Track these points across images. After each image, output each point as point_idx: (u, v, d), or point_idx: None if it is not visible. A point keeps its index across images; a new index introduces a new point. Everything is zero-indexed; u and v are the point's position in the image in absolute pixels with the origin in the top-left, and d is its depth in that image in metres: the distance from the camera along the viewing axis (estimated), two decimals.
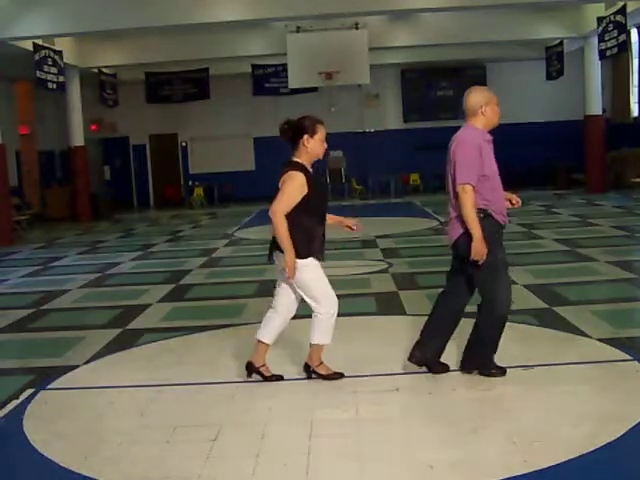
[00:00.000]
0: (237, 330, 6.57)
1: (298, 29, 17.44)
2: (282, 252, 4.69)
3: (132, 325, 7.07)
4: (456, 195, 4.65)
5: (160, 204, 23.38)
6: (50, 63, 15.66)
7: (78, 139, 18.98)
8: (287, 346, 5.59)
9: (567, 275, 8.01)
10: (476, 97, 4.72)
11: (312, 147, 4.73)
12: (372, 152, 22.76)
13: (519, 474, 3.49)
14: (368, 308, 7.33)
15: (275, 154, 27.56)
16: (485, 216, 4.64)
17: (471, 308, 4.96)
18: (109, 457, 3.96)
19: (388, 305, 7.42)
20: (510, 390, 4.65)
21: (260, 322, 5.06)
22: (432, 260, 10.02)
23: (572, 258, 9.49)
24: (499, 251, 4.71)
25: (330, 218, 5.01)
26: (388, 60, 20.73)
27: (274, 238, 4.79)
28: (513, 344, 5.31)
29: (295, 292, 4.87)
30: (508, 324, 4.89)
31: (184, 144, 23.78)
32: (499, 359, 4.89)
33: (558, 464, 3.57)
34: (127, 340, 6.48)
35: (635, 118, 20.71)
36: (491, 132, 4.84)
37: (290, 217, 4.65)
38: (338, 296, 4.88)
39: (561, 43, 19.28)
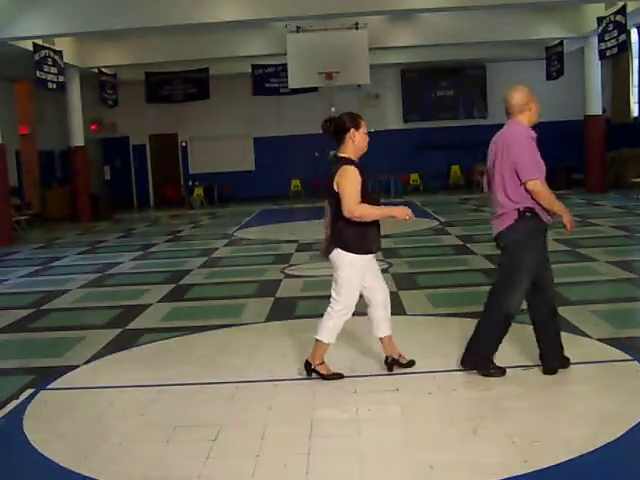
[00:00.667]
0: (237, 330, 6.56)
1: (298, 29, 17.42)
2: (341, 249, 4.75)
3: (132, 325, 7.07)
4: (503, 193, 4.69)
5: (160, 204, 23.38)
6: (50, 63, 15.65)
7: (78, 139, 18.97)
8: (291, 345, 5.59)
9: (567, 275, 8.00)
10: (522, 94, 4.80)
11: (359, 140, 4.83)
12: (372, 152, 22.69)
13: (519, 474, 3.49)
14: None
15: (275, 154, 27.49)
16: (532, 215, 4.67)
17: (477, 308, 4.93)
18: (109, 457, 3.96)
19: None
20: (510, 390, 4.64)
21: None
22: (432, 260, 10.03)
23: (572, 258, 9.48)
24: (533, 256, 4.68)
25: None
26: (388, 60, 20.72)
27: (332, 234, 4.84)
28: (513, 344, 5.30)
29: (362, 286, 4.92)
30: None
31: (184, 144, 23.78)
32: (499, 359, 4.89)
33: (558, 464, 3.57)
34: (127, 340, 6.47)
35: (635, 118, 20.70)
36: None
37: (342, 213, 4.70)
38: None
39: (561, 43, 19.27)
